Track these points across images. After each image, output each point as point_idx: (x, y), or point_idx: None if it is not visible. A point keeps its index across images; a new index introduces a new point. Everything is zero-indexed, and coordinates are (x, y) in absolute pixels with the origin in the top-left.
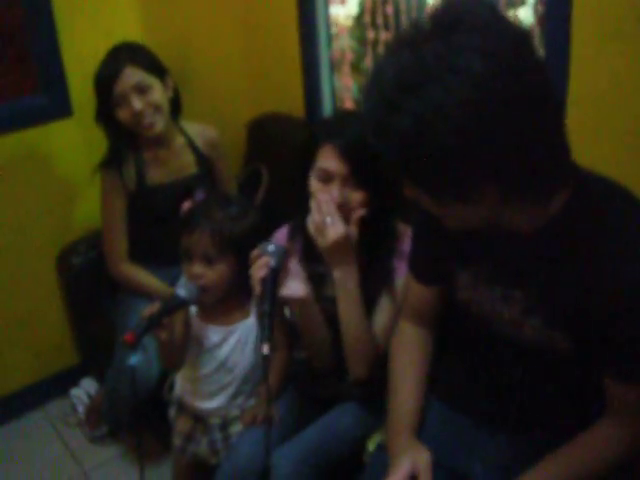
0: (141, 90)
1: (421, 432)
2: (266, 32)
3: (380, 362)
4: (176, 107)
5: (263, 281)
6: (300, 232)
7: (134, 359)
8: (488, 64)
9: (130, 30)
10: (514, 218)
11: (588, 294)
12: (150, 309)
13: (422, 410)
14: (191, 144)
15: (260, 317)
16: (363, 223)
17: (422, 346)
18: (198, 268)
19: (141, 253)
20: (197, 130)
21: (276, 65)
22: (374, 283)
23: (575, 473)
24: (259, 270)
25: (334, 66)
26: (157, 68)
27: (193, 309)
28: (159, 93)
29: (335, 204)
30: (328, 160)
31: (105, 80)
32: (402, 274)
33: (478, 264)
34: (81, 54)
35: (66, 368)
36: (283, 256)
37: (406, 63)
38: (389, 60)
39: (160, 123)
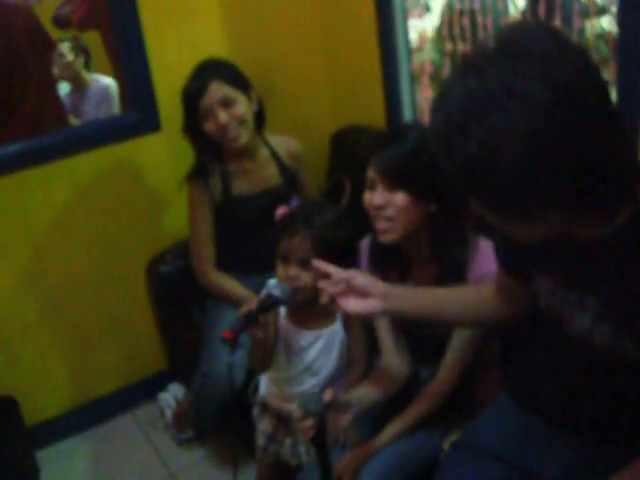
0: (226, 104)
1: (492, 428)
2: (347, 46)
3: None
4: (260, 120)
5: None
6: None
7: (232, 356)
8: (551, 92)
9: (215, 45)
10: (579, 231)
11: None
12: (247, 307)
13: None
14: (275, 156)
15: None
16: (428, 230)
17: (492, 303)
18: (294, 270)
19: (227, 261)
20: (280, 142)
21: (357, 78)
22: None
23: None
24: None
25: (414, 78)
26: (241, 83)
27: (283, 312)
28: (244, 107)
29: (377, 205)
30: (370, 172)
31: (192, 95)
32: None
33: (555, 269)
34: (169, 70)
35: (155, 373)
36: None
37: (471, 87)
38: (455, 82)
39: (245, 135)
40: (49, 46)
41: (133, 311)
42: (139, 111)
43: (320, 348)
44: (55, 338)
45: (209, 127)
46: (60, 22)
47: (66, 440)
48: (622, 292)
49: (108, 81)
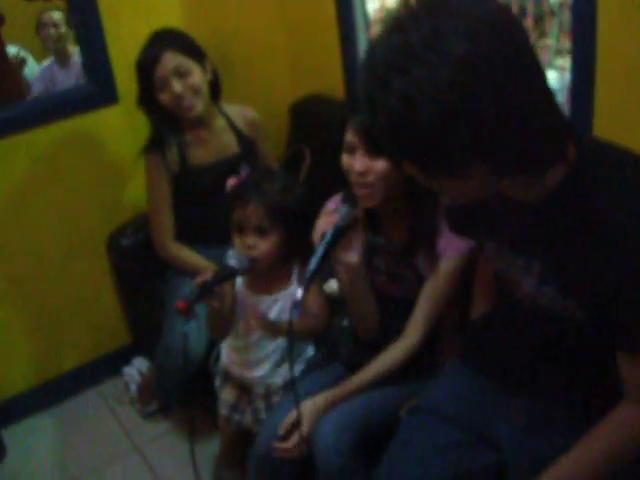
0: (180, 74)
1: (449, 393)
2: (305, 14)
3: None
4: (216, 90)
5: (323, 235)
6: (354, 202)
7: (187, 327)
8: (470, 45)
9: (171, 16)
10: (511, 190)
11: (600, 264)
12: (202, 278)
13: None
14: (232, 125)
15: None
16: (404, 190)
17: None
18: (251, 239)
19: (187, 233)
20: (237, 111)
21: (316, 47)
22: (418, 249)
23: (594, 464)
24: (324, 224)
25: None
26: (196, 52)
27: (239, 280)
28: (198, 77)
29: (358, 172)
30: (349, 135)
31: (146, 65)
32: (449, 256)
33: (501, 235)
34: (124, 42)
35: (119, 347)
36: (351, 221)
37: (395, 45)
38: (381, 41)
39: (199, 105)
40: None
41: (96, 285)
42: (96, 83)
43: (279, 311)
44: (17, 314)
45: (164, 97)
46: None
47: (31, 417)
48: (565, 257)
49: None
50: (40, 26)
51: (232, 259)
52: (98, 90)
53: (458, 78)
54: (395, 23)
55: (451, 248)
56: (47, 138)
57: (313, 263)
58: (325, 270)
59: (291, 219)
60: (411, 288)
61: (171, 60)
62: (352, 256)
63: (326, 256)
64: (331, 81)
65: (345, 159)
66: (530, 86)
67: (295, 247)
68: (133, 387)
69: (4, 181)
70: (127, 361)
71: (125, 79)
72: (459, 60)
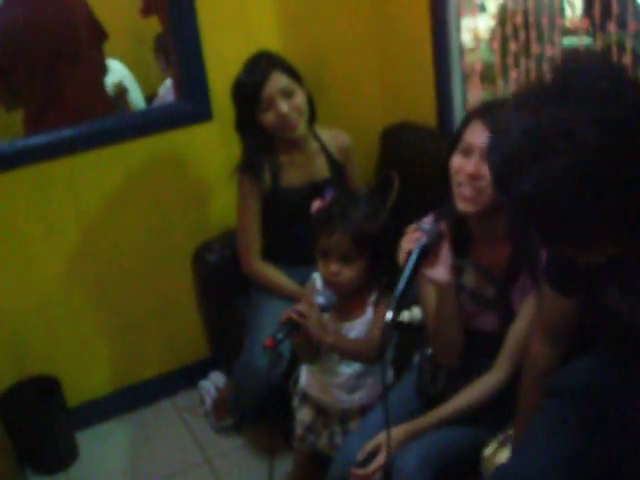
0: (286, 94)
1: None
2: (400, 42)
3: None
4: (311, 113)
5: (409, 254)
6: (446, 220)
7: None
8: (605, 136)
9: (269, 38)
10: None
11: None
12: (288, 314)
13: None
14: (324, 149)
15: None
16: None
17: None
18: (335, 266)
19: (273, 252)
20: (330, 135)
21: (409, 75)
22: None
23: None
24: (408, 243)
25: (465, 77)
26: (297, 75)
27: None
28: (301, 97)
29: (469, 174)
30: (474, 134)
31: (252, 85)
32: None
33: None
34: (223, 61)
35: (197, 360)
36: (436, 238)
37: (527, 127)
38: (511, 120)
39: (302, 126)
40: (100, 35)
41: (178, 298)
42: (192, 100)
43: (355, 338)
44: (100, 321)
45: (268, 117)
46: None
47: (106, 422)
48: None
49: None
50: (159, 46)
51: (320, 296)
52: (193, 107)
53: (593, 170)
54: (525, 101)
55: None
56: (141, 151)
57: (401, 283)
58: (410, 295)
59: (375, 246)
60: (497, 317)
61: (279, 80)
62: (440, 273)
63: (414, 275)
64: (424, 110)
65: (457, 159)
66: None
67: (376, 273)
68: (208, 401)
69: (96, 191)
70: (204, 375)
71: (220, 97)
72: (594, 151)
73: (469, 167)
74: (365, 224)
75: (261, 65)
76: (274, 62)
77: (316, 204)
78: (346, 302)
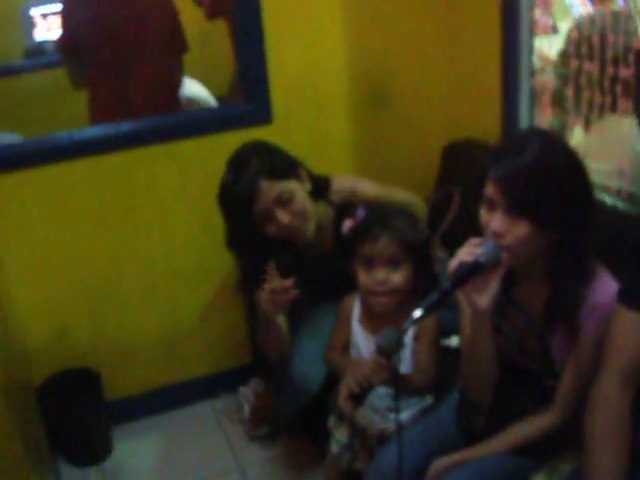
0: (284, 202)
1: None
2: (468, 58)
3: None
4: (318, 193)
5: (461, 265)
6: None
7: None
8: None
9: (334, 46)
10: None
11: None
12: (349, 389)
13: None
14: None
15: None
16: (546, 257)
17: (627, 414)
18: (382, 273)
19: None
20: (343, 190)
21: (476, 91)
22: (555, 320)
23: None
24: (466, 254)
25: (534, 97)
26: (288, 168)
27: (356, 314)
28: (301, 196)
29: (494, 232)
30: (489, 187)
31: (242, 202)
32: (589, 330)
33: None
34: (286, 65)
35: (238, 366)
36: (494, 262)
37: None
38: None
39: (310, 228)
40: (180, 45)
41: (225, 301)
42: (252, 102)
43: None
44: (145, 318)
45: (270, 230)
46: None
47: (142, 420)
48: None
49: None
50: None
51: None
52: (253, 109)
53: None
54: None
55: (596, 306)
56: (196, 150)
57: (441, 289)
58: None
59: (420, 252)
60: (535, 361)
61: (270, 189)
62: (484, 299)
63: (457, 286)
64: (488, 127)
65: (483, 214)
66: None
67: (417, 289)
68: (246, 407)
69: (149, 186)
70: (244, 381)
71: (281, 100)
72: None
73: (492, 224)
74: (410, 229)
75: (244, 174)
76: (260, 167)
77: (348, 223)
78: (385, 317)
